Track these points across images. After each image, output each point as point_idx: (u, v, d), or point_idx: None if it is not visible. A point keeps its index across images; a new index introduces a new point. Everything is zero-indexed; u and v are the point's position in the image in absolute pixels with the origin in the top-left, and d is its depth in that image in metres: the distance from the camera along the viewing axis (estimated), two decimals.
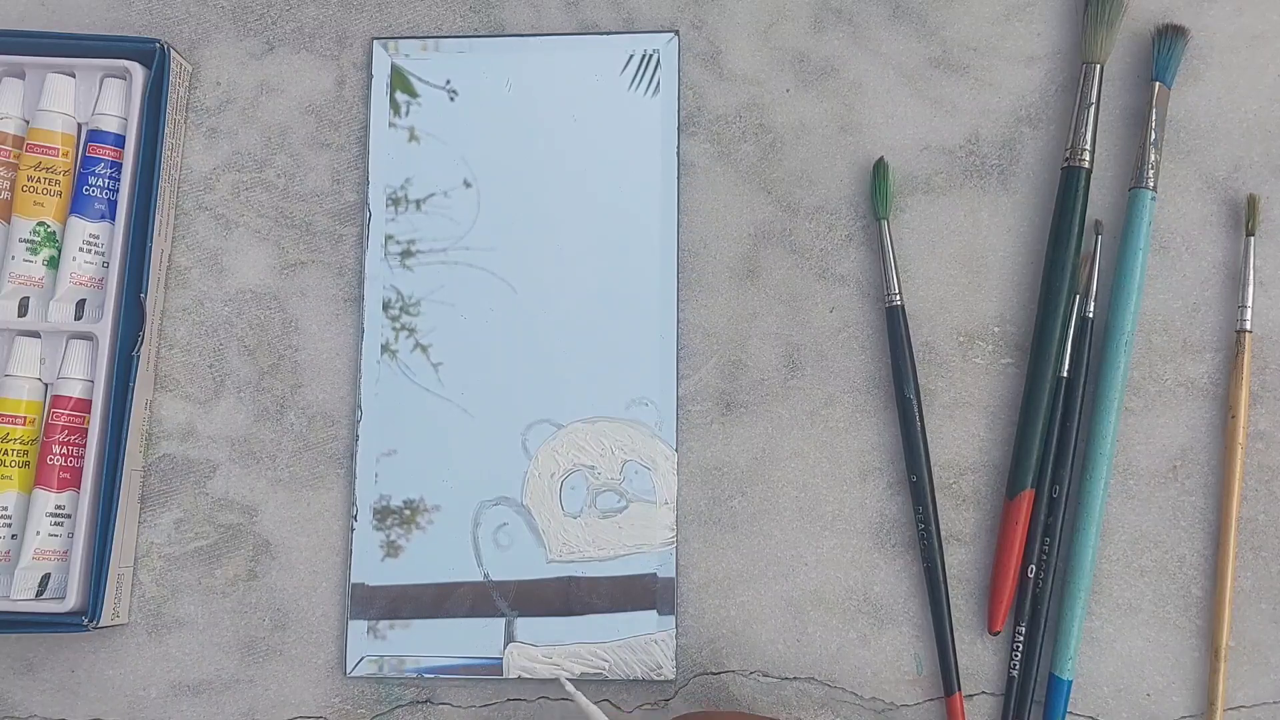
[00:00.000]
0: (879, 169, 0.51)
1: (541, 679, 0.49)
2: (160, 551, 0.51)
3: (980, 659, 0.48)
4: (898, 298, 0.50)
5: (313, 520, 0.51)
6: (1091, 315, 0.49)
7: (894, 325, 0.50)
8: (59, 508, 0.49)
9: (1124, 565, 0.49)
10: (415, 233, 0.52)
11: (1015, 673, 0.48)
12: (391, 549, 0.50)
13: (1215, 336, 0.50)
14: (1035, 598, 0.48)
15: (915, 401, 0.49)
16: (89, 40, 0.52)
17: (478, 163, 0.52)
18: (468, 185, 0.52)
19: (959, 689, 0.47)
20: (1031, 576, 0.48)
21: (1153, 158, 0.49)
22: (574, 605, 0.49)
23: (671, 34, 0.53)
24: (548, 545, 0.50)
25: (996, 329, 0.50)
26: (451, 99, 0.53)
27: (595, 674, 0.49)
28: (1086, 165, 0.49)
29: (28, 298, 0.51)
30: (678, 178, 0.52)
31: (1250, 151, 0.51)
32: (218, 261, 0.53)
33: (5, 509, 0.49)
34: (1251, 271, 0.49)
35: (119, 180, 0.51)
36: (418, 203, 0.52)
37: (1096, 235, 0.50)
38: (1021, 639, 0.48)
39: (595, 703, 0.49)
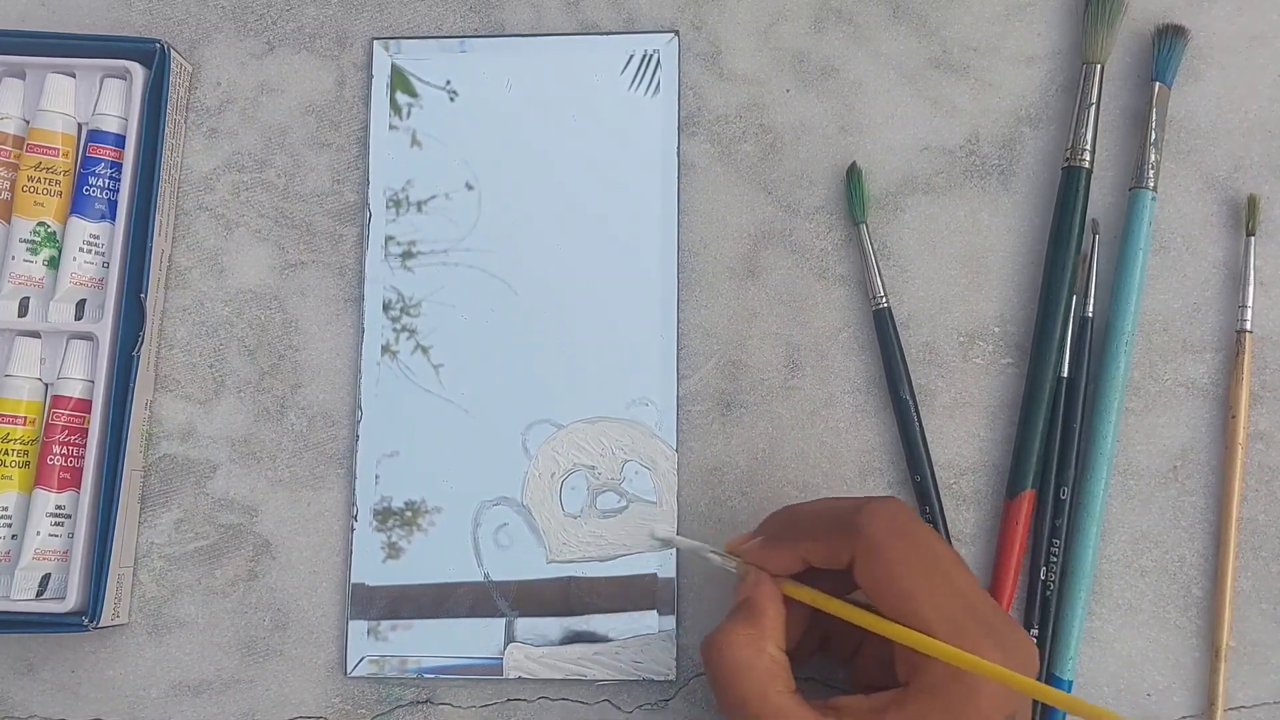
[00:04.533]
0: (851, 174, 0.51)
1: (541, 679, 0.49)
2: (160, 551, 0.51)
3: None
4: (884, 300, 0.50)
5: (313, 520, 0.51)
6: (1090, 315, 0.49)
7: (883, 327, 0.50)
8: (59, 508, 0.49)
9: (1124, 565, 0.49)
10: (416, 234, 0.52)
11: None
12: (392, 550, 0.50)
13: (1215, 336, 0.50)
14: (1045, 600, 0.48)
15: (911, 402, 0.49)
16: (89, 40, 0.52)
17: (478, 163, 0.52)
18: (469, 188, 0.52)
19: None
20: (1043, 579, 0.48)
21: (1153, 158, 0.49)
22: (574, 605, 0.49)
23: (671, 34, 0.53)
24: (548, 545, 0.50)
25: (996, 329, 0.50)
26: (452, 99, 0.53)
27: (594, 674, 0.49)
28: (1087, 165, 0.49)
29: (28, 298, 0.51)
30: (678, 178, 0.52)
31: (1250, 151, 0.51)
32: (218, 261, 0.53)
33: (5, 509, 0.49)
34: (1251, 271, 0.49)
35: (119, 180, 0.51)
36: (419, 204, 0.52)
37: (1093, 235, 0.50)
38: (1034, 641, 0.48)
39: (594, 703, 0.49)
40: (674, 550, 0.49)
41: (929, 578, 0.40)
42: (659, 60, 0.53)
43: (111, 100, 0.52)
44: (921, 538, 0.41)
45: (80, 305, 0.51)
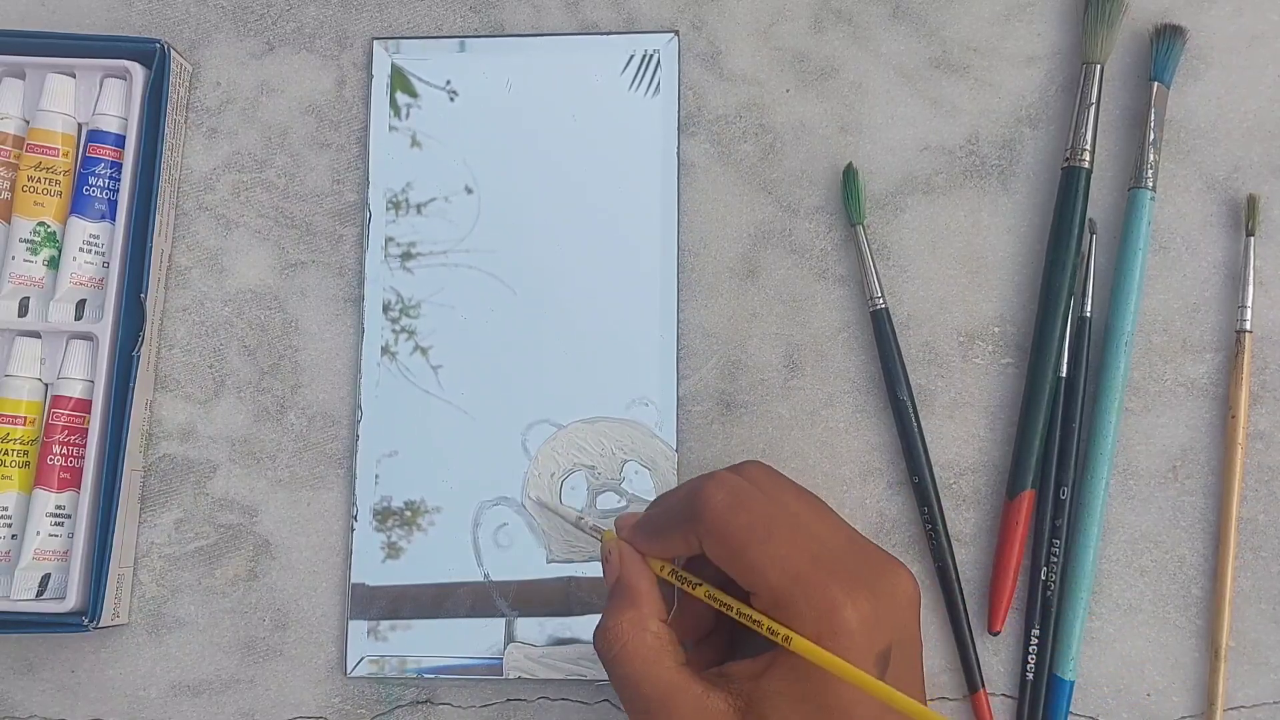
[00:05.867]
0: (847, 175, 0.51)
1: (541, 679, 0.49)
2: (160, 551, 0.51)
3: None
4: (881, 301, 0.50)
5: (313, 520, 0.51)
6: (1089, 315, 0.49)
7: (880, 328, 0.50)
8: (59, 508, 0.49)
9: (1124, 565, 0.49)
10: (415, 235, 0.52)
11: (1030, 676, 0.48)
12: (392, 550, 0.50)
13: (1215, 336, 0.50)
14: (1046, 601, 0.48)
15: (909, 403, 0.49)
16: (89, 40, 0.52)
17: (478, 164, 0.52)
18: (469, 188, 0.52)
19: (983, 686, 0.47)
20: (1043, 579, 0.48)
21: (1152, 158, 0.49)
22: (574, 605, 0.49)
23: (671, 34, 0.53)
24: (548, 545, 0.50)
25: (996, 329, 0.50)
26: (451, 99, 0.53)
27: (595, 674, 0.49)
28: (1086, 165, 0.49)
29: (28, 298, 0.51)
30: (678, 178, 0.52)
31: (1250, 151, 0.51)
32: (218, 261, 0.53)
33: (5, 509, 0.49)
34: (1251, 271, 0.49)
35: (119, 180, 0.51)
36: (418, 205, 0.52)
37: (1091, 235, 0.50)
38: (1035, 643, 0.47)
39: (594, 703, 0.49)
40: None
41: (768, 543, 0.39)
42: (659, 60, 0.53)
43: (111, 100, 0.52)
44: (757, 504, 0.41)
45: (80, 305, 0.51)
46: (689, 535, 0.41)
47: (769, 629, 0.39)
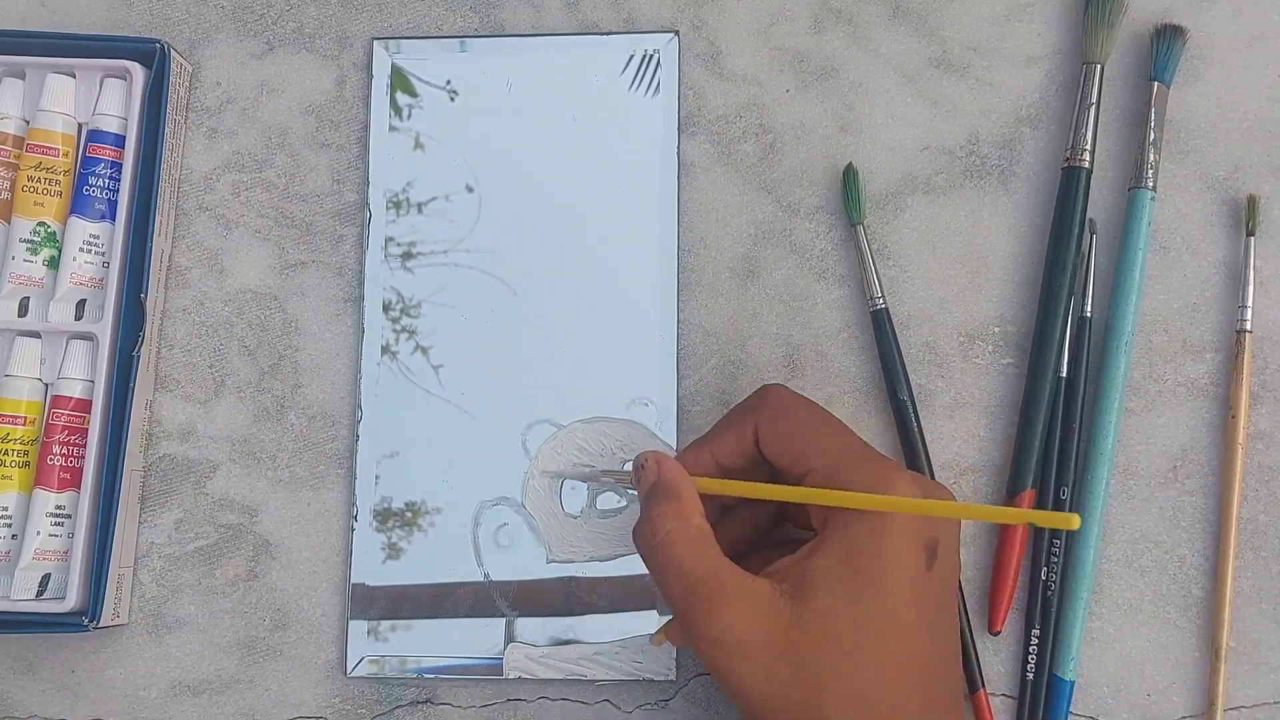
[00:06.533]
0: (848, 175, 0.51)
1: (541, 679, 0.49)
2: (160, 551, 0.51)
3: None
4: (881, 301, 0.50)
5: (313, 520, 0.51)
6: (1089, 315, 0.49)
7: (880, 328, 0.50)
8: (59, 508, 0.49)
9: (1124, 565, 0.49)
10: (415, 234, 0.52)
11: (1030, 676, 0.48)
12: (393, 550, 0.50)
13: (1215, 336, 0.50)
14: (1046, 601, 0.48)
15: (909, 403, 0.49)
16: (89, 40, 0.52)
17: (478, 163, 0.52)
18: (469, 188, 0.52)
19: (983, 686, 0.47)
20: (1044, 579, 0.48)
21: (1152, 158, 0.49)
22: (574, 605, 0.49)
23: (671, 34, 0.53)
24: (548, 545, 0.50)
25: (996, 329, 0.50)
26: (452, 99, 0.53)
27: (594, 674, 0.49)
28: (1086, 165, 0.49)
29: (28, 298, 0.51)
30: (678, 178, 0.52)
31: (1250, 151, 0.51)
32: (218, 261, 0.53)
33: (5, 509, 0.49)
34: (1251, 271, 0.49)
35: (119, 180, 0.51)
36: (419, 205, 0.52)
37: (1091, 235, 0.50)
38: (1036, 643, 0.47)
39: (594, 703, 0.49)
40: None
41: (826, 426, 0.43)
42: (659, 60, 0.53)
43: (111, 100, 0.52)
44: (813, 404, 0.44)
45: (80, 305, 0.51)
46: (746, 428, 0.43)
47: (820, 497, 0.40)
